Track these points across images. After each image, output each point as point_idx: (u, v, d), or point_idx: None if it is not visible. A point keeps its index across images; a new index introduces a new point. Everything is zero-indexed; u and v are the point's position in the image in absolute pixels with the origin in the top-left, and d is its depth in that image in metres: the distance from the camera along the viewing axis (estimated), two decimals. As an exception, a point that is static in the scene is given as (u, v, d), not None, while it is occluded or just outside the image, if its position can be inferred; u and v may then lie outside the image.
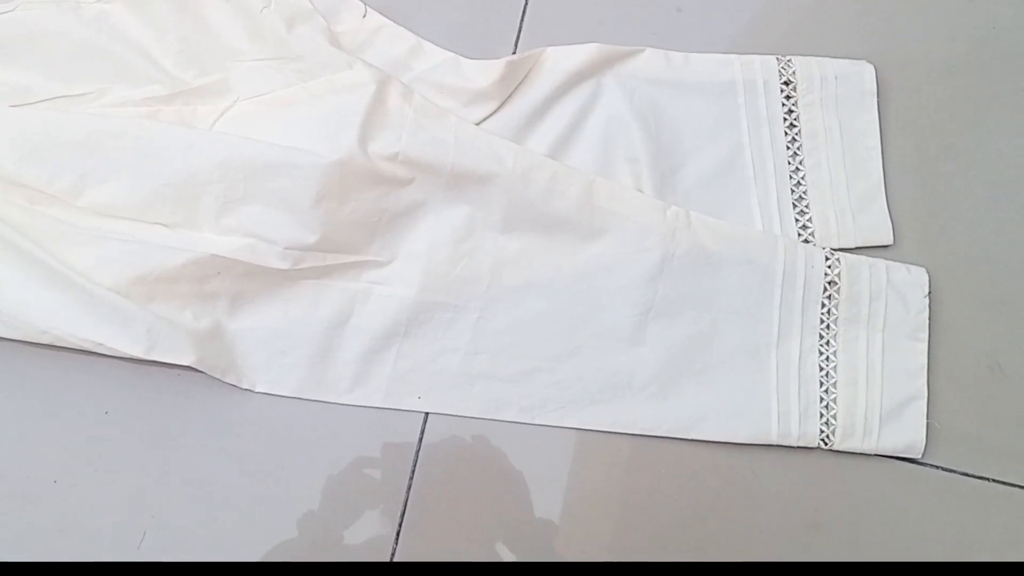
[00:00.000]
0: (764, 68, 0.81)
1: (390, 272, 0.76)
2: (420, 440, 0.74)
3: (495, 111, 0.79)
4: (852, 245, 0.79)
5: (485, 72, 0.78)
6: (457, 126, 0.76)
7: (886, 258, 0.78)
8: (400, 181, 0.75)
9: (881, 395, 0.75)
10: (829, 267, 0.77)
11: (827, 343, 0.76)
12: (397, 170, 0.74)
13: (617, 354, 0.76)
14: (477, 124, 0.78)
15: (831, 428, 0.74)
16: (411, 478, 0.73)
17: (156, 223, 0.73)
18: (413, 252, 0.77)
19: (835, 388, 0.75)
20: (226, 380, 0.73)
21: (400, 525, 0.71)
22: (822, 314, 0.77)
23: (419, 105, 0.76)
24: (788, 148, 0.80)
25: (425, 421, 0.74)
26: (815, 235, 0.79)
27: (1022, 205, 0.81)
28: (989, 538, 0.74)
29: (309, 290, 0.75)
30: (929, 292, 0.77)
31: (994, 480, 0.75)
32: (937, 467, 0.75)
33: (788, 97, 0.81)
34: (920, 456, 0.74)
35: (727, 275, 0.77)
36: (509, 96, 0.80)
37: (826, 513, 0.74)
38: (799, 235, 0.79)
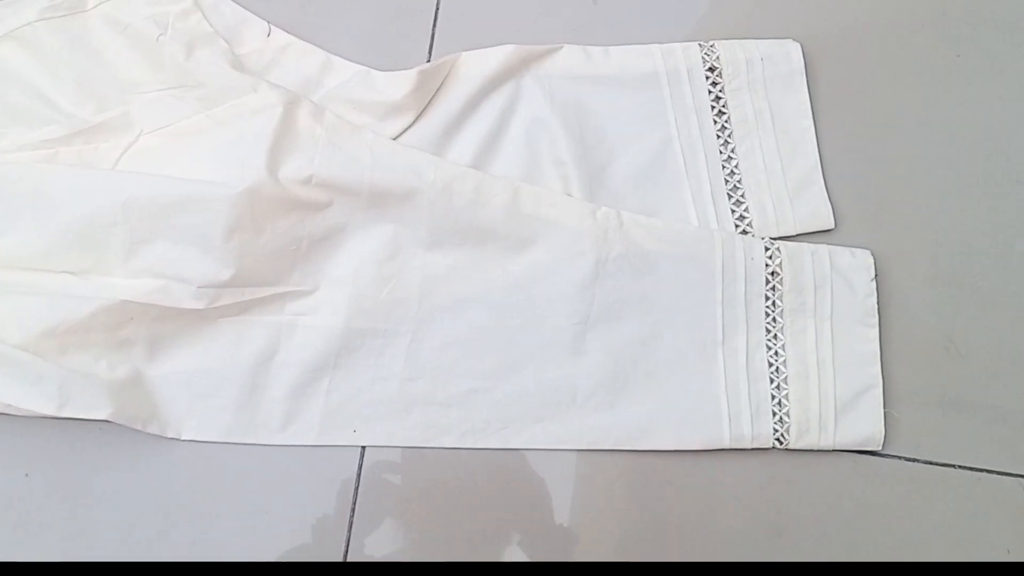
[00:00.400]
0: (687, 56, 0.78)
1: (315, 302, 0.73)
2: (359, 475, 0.71)
3: (412, 123, 0.76)
4: (792, 232, 0.76)
5: (398, 83, 0.75)
6: (373, 142, 0.73)
7: (829, 243, 0.75)
8: (317, 205, 0.72)
9: (834, 387, 0.72)
10: (770, 257, 0.74)
11: (774, 337, 0.73)
12: (312, 194, 0.71)
13: (559, 366, 0.73)
14: (394, 138, 0.75)
15: (785, 426, 0.71)
16: (352, 515, 0.70)
17: (63, 271, 0.69)
18: (337, 278, 0.73)
19: (786, 384, 0.72)
20: (148, 431, 0.69)
21: (344, 561, 0.68)
22: (767, 307, 0.74)
23: (331, 124, 0.73)
24: (718, 137, 0.77)
25: (362, 455, 0.71)
26: (753, 225, 0.76)
27: (967, 177, 0.78)
28: (959, 527, 0.71)
29: (230, 328, 0.72)
30: (876, 275, 0.74)
31: (960, 467, 0.72)
32: (899, 457, 0.72)
33: (714, 84, 0.78)
34: (880, 448, 0.72)
35: (665, 275, 0.74)
36: (426, 106, 0.76)
37: (788, 516, 0.71)
38: (736, 227, 0.76)
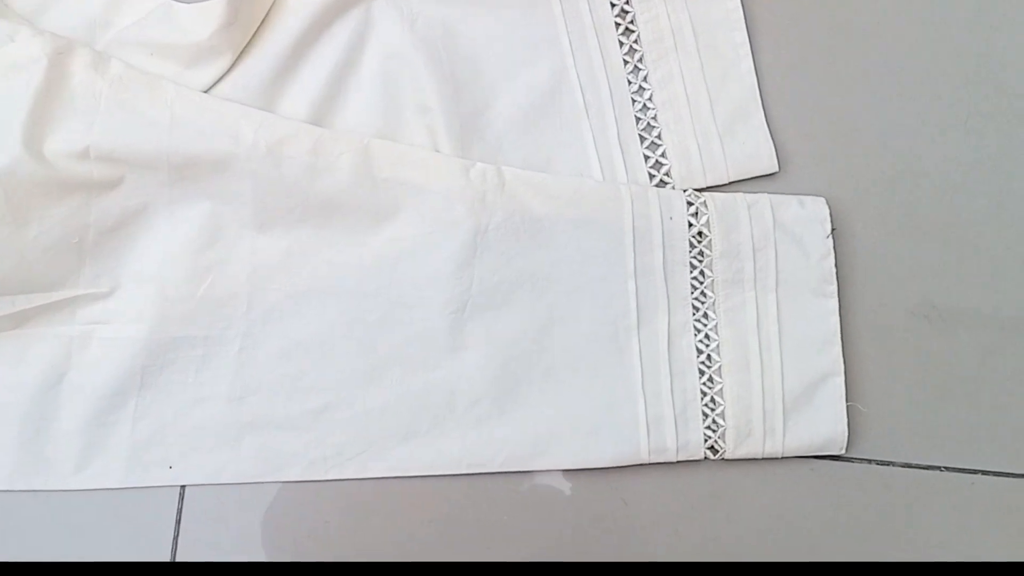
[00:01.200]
0: (579, -41, 0.61)
1: (113, 305, 0.58)
2: (178, 522, 0.56)
3: (229, 69, 0.59)
4: (724, 180, 0.59)
5: (205, 17, 0.58)
6: (174, 98, 0.57)
7: (771, 192, 0.58)
8: (102, 184, 0.56)
9: (783, 377, 0.56)
10: (694, 215, 0.57)
11: (704, 316, 0.57)
12: (94, 170, 0.55)
13: (433, 367, 0.57)
14: (206, 91, 0.58)
15: (720, 432, 0.56)
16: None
17: None
18: (140, 275, 0.58)
19: (720, 376, 0.56)
20: (-95, 484, 0.54)
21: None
22: (693, 279, 0.57)
23: (117, 77, 0.57)
24: (626, 62, 0.60)
25: (182, 498, 0.56)
26: (672, 175, 0.59)
27: (943, 101, 0.60)
28: (950, 543, 0.55)
29: (6, 346, 0.57)
30: (833, 229, 0.57)
31: (948, 468, 0.56)
32: (870, 461, 0.57)
33: (617, -8, 0.60)
34: (843, 451, 0.56)
35: (562, 244, 0.58)
36: (246, 46, 0.59)
37: (728, 542, 0.55)
38: (651, 177, 0.59)
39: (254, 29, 0.60)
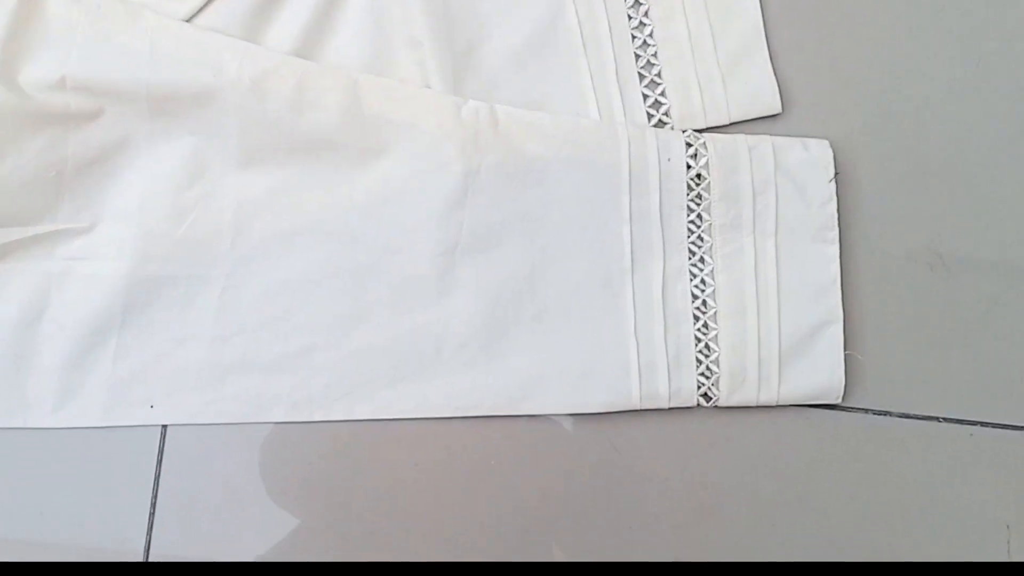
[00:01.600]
0: None
1: (93, 241, 0.56)
2: (159, 462, 0.55)
3: (211, -1, 0.57)
4: (725, 121, 0.57)
5: (187, -56, 0.56)
6: (154, 28, 0.54)
7: (773, 133, 0.56)
8: (79, 116, 0.54)
9: (779, 324, 0.55)
10: (693, 156, 0.55)
11: (700, 261, 0.56)
12: (71, 101, 0.53)
13: (421, 311, 0.56)
14: (187, 20, 0.56)
15: (713, 378, 0.54)
16: (152, 513, 0.54)
17: None
18: (121, 211, 0.56)
19: (715, 323, 0.55)
20: None
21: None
22: (690, 223, 0.55)
23: (95, 4, 0.54)
24: (626, -3, 0.58)
25: (163, 437, 0.55)
26: (672, 114, 0.57)
27: (953, 40, 0.58)
28: (946, 496, 0.54)
29: (-17, 281, 0.55)
30: (836, 174, 0.55)
31: (946, 419, 0.55)
32: (867, 411, 0.55)
33: (616, -77, 0.58)
34: (840, 400, 0.54)
35: (556, 186, 0.56)
36: (230, -25, 0.57)
37: (719, 492, 0.54)
38: (650, 117, 0.57)
39: (238, -44, 0.57)
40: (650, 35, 0.58)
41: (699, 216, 0.55)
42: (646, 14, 0.58)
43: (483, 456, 0.55)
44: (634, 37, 0.58)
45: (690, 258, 0.56)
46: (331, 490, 0.55)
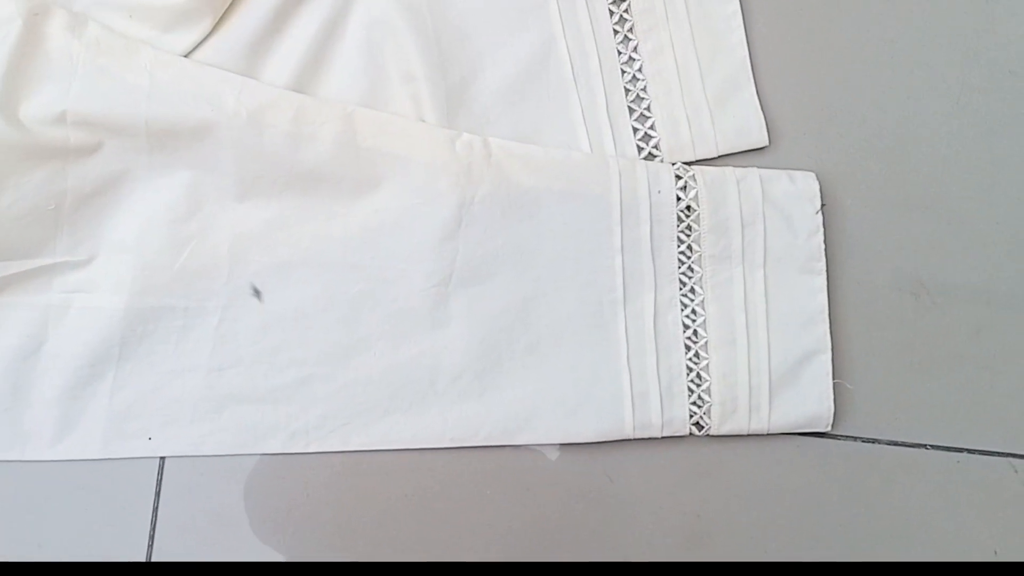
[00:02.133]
0: (569, -74, 0.59)
1: (90, 275, 0.57)
2: (157, 494, 0.55)
3: (209, 34, 0.58)
4: (713, 154, 0.58)
5: (184, -19, 0.57)
6: (153, 63, 0.55)
7: (761, 166, 0.57)
8: (79, 150, 0.55)
9: (769, 354, 0.56)
10: (682, 189, 0.56)
11: (691, 292, 0.56)
12: (71, 136, 0.54)
13: (415, 342, 0.57)
14: (185, 55, 0.57)
15: (705, 407, 0.55)
16: (150, 544, 0.54)
17: None
18: (119, 243, 0.57)
19: (706, 352, 0.56)
20: None
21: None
22: (680, 254, 0.56)
23: (95, 40, 0.55)
24: (616, 32, 0.59)
25: (161, 469, 0.55)
26: (661, 147, 0.58)
27: (938, 76, 0.60)
28: (934, 522, 0.55)
29: (-18, 314, 0.55)
30: (823, 205, 0.56)
31: (933, 447, 0.56)
32: (855, 439, 0.56)
33: (607, -39, 0.59)
34: (830, 428, 0.55)
35: (548, 217, 0.57)
36: (227, 10, 0.58)
37: (711, 520, 0.55)
38: (640, 150, 0.58)
39: (235, -7, 0.58)
40: (639, 70, 0.59)
41: (689, 247, 0.56)
42: (635, 49, 0.59)
43: (477, 486, 0.55)
44: (623, 72, 0.59)
45: (681, 288, 0.56)
46: (325, 521, 0.55)
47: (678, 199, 0.56)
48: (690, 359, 0.56)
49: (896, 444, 0.56)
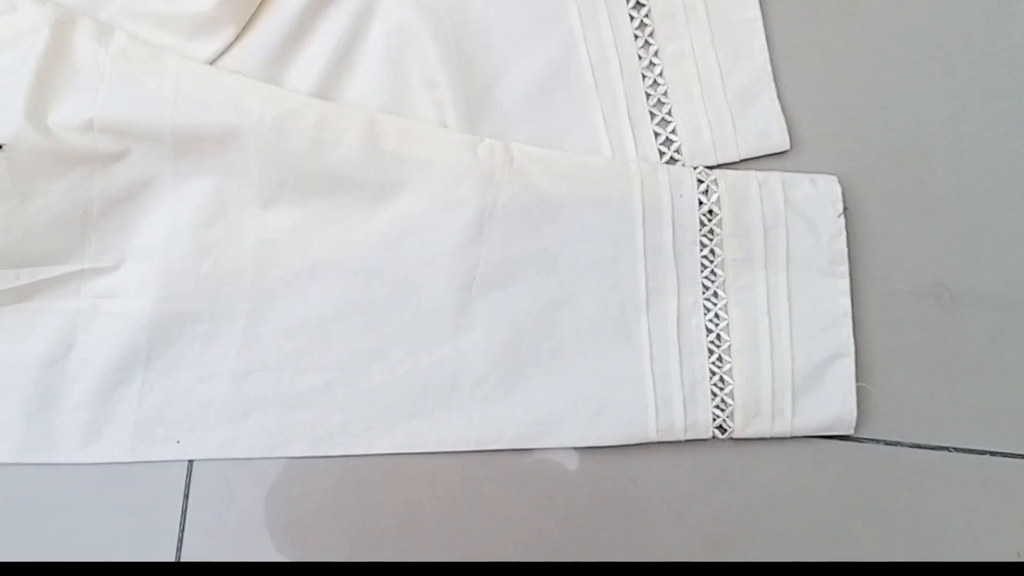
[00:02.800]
0: (590, -68, 0.60)
1: (118, 281, 0.57)
2: (186, 496, 0.56)
3: (233, 41, 0.58)
4: (735, 158, 0.58)
5: (209, -11, 0.57)
6: (178, 70, 0.56)
7: (783, 170, 0.57)
8: (106, 157, 0.55)
9: (792, 358, 0.56)
10: (704, 193, 0.56)
11: (714, 296, 0.57)
12: (98, 143, 0.55)
13: (438, 347, 0.57)
14: (210, 63, 0.58)
15: (728, 411, 0.55)
16: (179, 545, 0.55)
17: None
18: (146, 249, 0.57)
19: (729, 356, 0.56)
20: (-89, 457, 0.54)
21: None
22: (703, 258, 0.57)
23: (121, 48, 0.56)
24: (637, 37, 0.59)
25: (190, 472, 0.56)
26: (683, 152, 0.58)
27: (958, 80, 0.60)
28: (957, 525, 0.55)
29: (11, 320, 0.56)
30: (845, 209, 0.56)
31: (956, 449, 0.56)
32: (878, 441, 0.56)
33: (628, -34, 0.59)
34: (852, 431, 0.55)
35: (570, 222, 0.57)
36: (251, 18, 0.59)
37: (732, 524, 0.55)
38: (661, 154, 0.58)
39: (257, 1, 0.59)
40: (660, 75, 0.59)
41: (712, 251, 0.57)
42: (656, 54, 0.59)
43: (501, 489, 0.56)
44: (644, 77, 0.59)
45: (704, 292, 0.57)
46: (351, 523, 0.55)
47: (700, 203, 0.56)
48: (713, 363, 0.56)
49: (919, 447, 0.56)
